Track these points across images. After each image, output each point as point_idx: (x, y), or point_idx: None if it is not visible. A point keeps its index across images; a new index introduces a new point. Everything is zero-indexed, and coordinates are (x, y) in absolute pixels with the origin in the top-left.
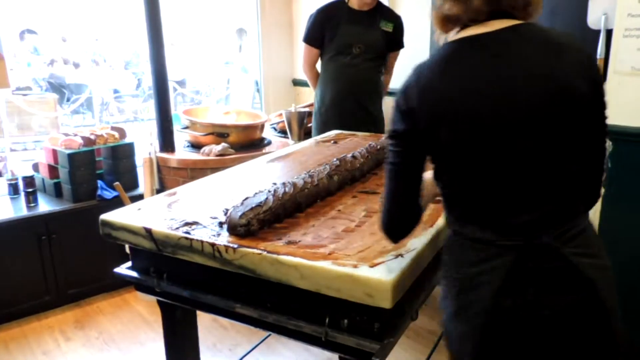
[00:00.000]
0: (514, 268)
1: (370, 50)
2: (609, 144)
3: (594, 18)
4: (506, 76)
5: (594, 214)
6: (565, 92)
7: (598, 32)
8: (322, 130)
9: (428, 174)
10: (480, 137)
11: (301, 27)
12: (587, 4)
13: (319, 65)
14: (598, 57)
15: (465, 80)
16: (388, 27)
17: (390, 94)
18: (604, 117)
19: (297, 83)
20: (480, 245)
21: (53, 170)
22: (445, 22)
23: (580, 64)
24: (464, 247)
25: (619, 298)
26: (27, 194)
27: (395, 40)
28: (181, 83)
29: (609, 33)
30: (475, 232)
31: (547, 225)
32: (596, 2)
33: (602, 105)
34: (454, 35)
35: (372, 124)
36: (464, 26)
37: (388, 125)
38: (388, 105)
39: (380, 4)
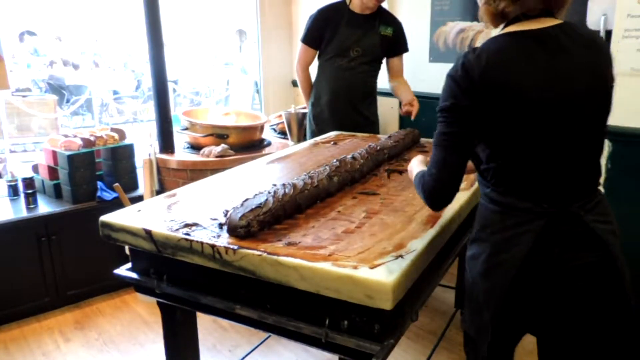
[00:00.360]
0: (544, 231)
1: (368, 54)
2: (608, 144)
3: (594, 19)
4: (559, 67)
5: None
6: (602, 83)
7: (597, 32)
8: (317, 132)
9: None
10: (532, 118)
11: (300, 28)
12: (586, 5)
13: (312, 68)
14: None
15: (525, 68)
16: (387, 32)
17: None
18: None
19: (296, 84)
20: (517, 212)
21: (53, 171)
22: (498, 17)
23: (609, 59)
24: (503, 214)
25: None
26: (27, 196)
27: (397, 44)
28: (174, 82)
29: (608, 34)
30: (515, 202)
31: (575, 197)
32: (595, 2)
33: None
34: (502, 28)
35: (368, 127)
36: (512, 20)
37: (441, 99)
38: (383, 107)
39: (380, 9)
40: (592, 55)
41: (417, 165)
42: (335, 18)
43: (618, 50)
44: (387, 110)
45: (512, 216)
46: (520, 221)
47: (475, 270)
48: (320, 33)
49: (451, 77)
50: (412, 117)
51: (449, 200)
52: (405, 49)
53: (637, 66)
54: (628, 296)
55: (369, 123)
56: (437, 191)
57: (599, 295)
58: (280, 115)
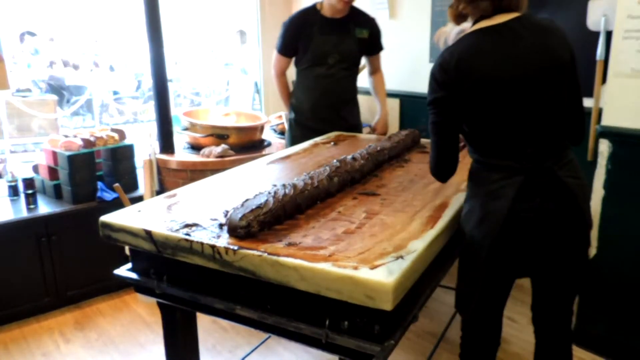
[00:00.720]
0: (525, 183)
1: (346, 60)
2: (608, 145)
3: (594, 19)
4: (516, 52)
5: (594, 215)
6: (555, 61)
7: (597, 33)
8: (299, 138)
9: None
10: (502, 95)
11: None
12: (586, 6)
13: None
14: (597, 59)
15: (489, 56)
16: (364, 34)
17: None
18: (578, 78)
19: None
20: (500, 169)
21: (53, 171)
22: (458, 17)
23: (562, 41)
24: (489, 171)
25: (620, 296)
26: (27, 196)
27: (374, 45)
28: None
29: (608, 35)
30: (498, 161)
31: (548, 155)
32: (596, 3)
33: (577, 69)
34: (471, 27)
35: (351, 131)
36: (477, 20)
37: (427, 94)
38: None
39: (353, 10)
40: (544, 39)
41: None
42: (307, 26)
43: (618, 51)
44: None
45: (497, 172)
46: (503, 176)
47: (470, 223)
48: (295, 42)
49: (432, 74)
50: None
51: (450, 172)
52: (381, 48)
53: (637, 67)
54: (588, 238)
55: (352, 127)
56: (438, 168)
57: (567, 234)
58: (281, 116)
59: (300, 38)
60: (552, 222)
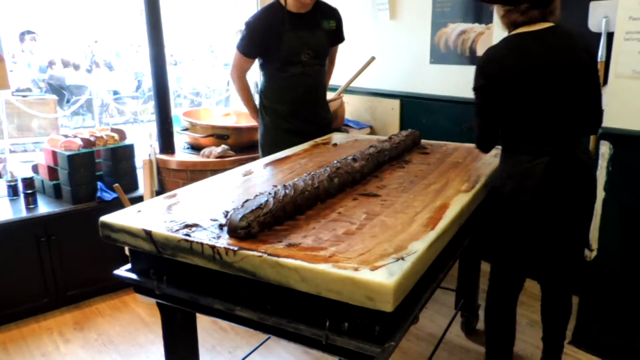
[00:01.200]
0: (550, 163)
1: (319, 55)
2: (609, 147)
3: (595, 21)
4: (549, 54)
5: (595, 217)
6: (577, 63)
7: (599, 35)
8: (273, 145)
9: None
10: (536, 88)
11: None
12: (587, 7)
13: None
14: (599, 60)
15: (528, 57)
16: (331, 25)
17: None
18: (598, 76)
19: None
20: (529, 152)
21: (52, 171)
22: (511, 25)
23: (584, 47)
24: (520, 154)
25: (620, 298)
26: (27, 196)
27: (339, 34)
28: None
29: (609, 36)
30: (527, 146)
31: (569, 140)
32: (597, 5)
33: (596, 70)
34: (513, 30)
35: (327, 127)
36: (518, 26)
37: (473, 81)
38: (383, 108)
39: (317, 2)
40: (571, 45)
41: None
42: (275, 24)
43: (619, 52)
44: (388, 112)
45: (527, 154)
46: (532, 158)
47: (506, 190)
48: (262, 42)
49: (479, 66)
50: None
51: (491, 145)
52: (344, 38)
53: (638, 68)
54: (595, 197)
55: (328, 124)
56: (481, 142)
57: (583, 202)
58: (229, 114)
59: (269, 38)
60: (574, 190)
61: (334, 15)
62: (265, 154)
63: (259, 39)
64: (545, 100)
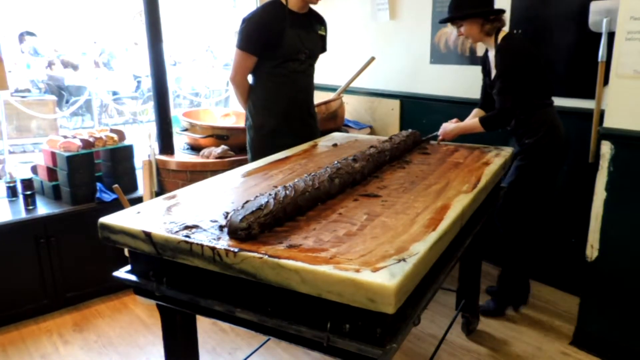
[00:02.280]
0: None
1: (313, 56)
2: (610, 147)
3: (595, 21)
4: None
5: (596, 217)
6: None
7: (599, 35)
8: (266, 147)
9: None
10: (541, 63)
11: None
12: (587, 7)
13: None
14: (599, 60)
15: (530, 46)
16: (322, 31)
17: None
18: None
19: None
20: (548, 105)
21: (52, 172)
22: (494, 30)
23: None
24: (541, 108)
25: (622, 298)
26: (26, 197)
27: (324, 43)
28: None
29: (610, 36)
30: (546, 100)
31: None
32: (597, 4)
33: None
34: (494, 36)
35: (316, 129)
36: (498, 30)
37: (506, 67)
38: (383, 109)
39: (310, 7)
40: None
41: (465, 124)
42: (278, 20)
43: (620, 52)
44: (388, 112)
45: (546, 107)
46: (549, 105)
47: (535, 139)
48: (265, 38)
49: (514, 53)
50: None
51: (511, 119)
52: (326, 49)
53: None
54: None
55: (316, 125)
56: (510, 116)
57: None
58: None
59: (271, 33)
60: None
61: (324, 23)
62: (256, 157)
63: (262, 34)
64: (543, 70)
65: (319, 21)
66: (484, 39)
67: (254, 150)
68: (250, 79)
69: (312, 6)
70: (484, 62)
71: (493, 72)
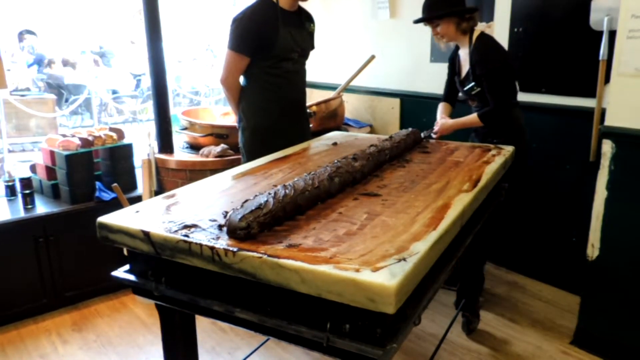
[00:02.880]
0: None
1: (304, 55)
2: (611, 146)
3: (597, 19)
4: None
5: (597, 216)
6: None
7: (600, 33)
8: (265, 148)
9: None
10: (512, 66)
11: None
12: (588, 6)
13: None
14: (600, 58)
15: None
16: (312, 28)
17: None
18: None
19: None
20: (515, 105)
21: (50, 171)
22: (470, 28)
23: None
24: (515, 109)
25: (623, 297)
26: (25, 196)
27: (313, 40)
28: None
29: (611, 34)
30: (511, 100)
31: None
32: (599, 2)
33: None
34: (469, 34)
35: (308, 129)
36: (472, 28)
37: (497, 63)
38: (383, 107)
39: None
40: None
41: (464, 119)
42: (270, 19)
43: (622, 51)
44: (388, 111)
45: (518, 109)
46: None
47: (524, 136)
48: (258, 37)
49: (501, 52)
50: None
51: (505, 114)
52: (314, 46)
53: None
54: None
55: (309, 125)
56: (507, 107)
57: None
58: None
59: (264, 32)
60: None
61: (312, 20)
62: (251, 159)
63: (255, 34)
64: (514, 69)
65: (309, 18)
66: (459, 37)
67: (249, 151)
68: (241, 79)
69: (302, 4)
70: (452, 59)
71: (464, 70)
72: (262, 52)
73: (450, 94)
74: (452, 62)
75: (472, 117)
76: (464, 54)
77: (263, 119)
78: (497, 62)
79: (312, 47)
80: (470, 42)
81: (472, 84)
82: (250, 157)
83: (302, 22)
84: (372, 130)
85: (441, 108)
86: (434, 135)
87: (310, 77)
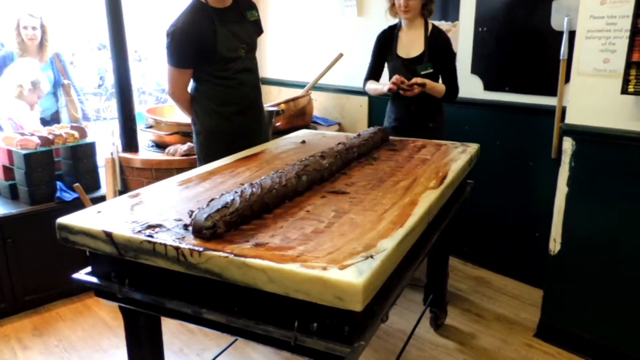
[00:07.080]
0: None
1: (251, 49)
2: (572, 143)
3: (557, 20)
4: None
5: (558, 212)
6: None
7: (561, 33)
8: (223, 150)
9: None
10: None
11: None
12: (550, 7)
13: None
14: (561, 58)
15: None
16: (255, 15)
17: None
18: None
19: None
20: None
21: (8, 171)
22: (429, 13)
23: None
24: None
25: (584, 290)
26: None
27: (259, 26)
28: None
29: (571, 34)
30: None
31: None
32: (559, 3)
33: None
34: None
35: (266, 125)
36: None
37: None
38: (351, 105)
39: None
40: None
41: (434, 83)
42: (204, 23)
43: (581, 50)
44: (356, 108)
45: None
46: None
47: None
48: (197, 47)
49: (449, 42)
50: None
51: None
52: (262, 30)
53: (599, 67)
54: None
55: (265, 121)
56: (457, 93)
57: None
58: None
59: (202, 40)
60: None
61: (254, 6)
62: (208, 162)
63: (193, 45)
64: None
65: (248, 7)
66: (417, 17)
67: (206, 155)
68: (191, 85)
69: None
70: (387, 40)
71: (414, 52)
72: (204, 59)
73: (376, 73)
74: (384, 43)
75: (441, 86)
76: (412, 36)
77: (217, 122)
78: (452, 51)
79: (259, 34)
80: (426, 26)
81: (429, 64)
82: (207, 161)
83: (241, 14)
84: (341, 129)
85: (374, 82)
86: (409, 88)
87: (278, 74)
